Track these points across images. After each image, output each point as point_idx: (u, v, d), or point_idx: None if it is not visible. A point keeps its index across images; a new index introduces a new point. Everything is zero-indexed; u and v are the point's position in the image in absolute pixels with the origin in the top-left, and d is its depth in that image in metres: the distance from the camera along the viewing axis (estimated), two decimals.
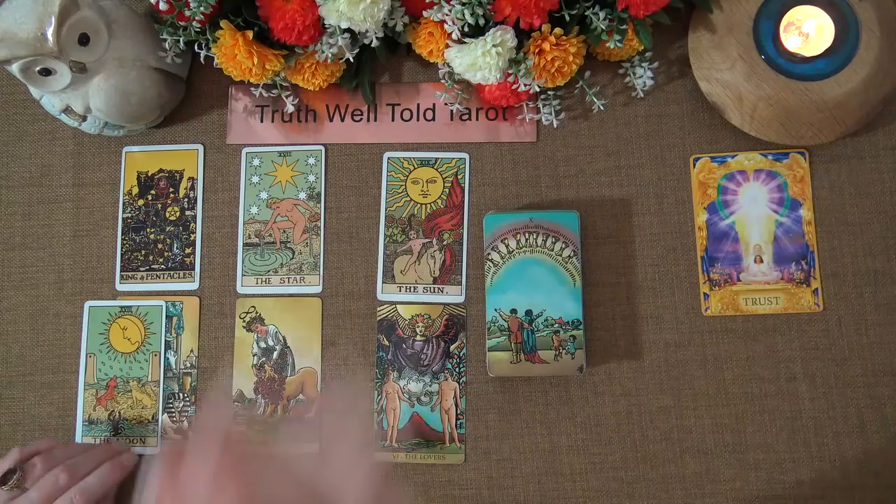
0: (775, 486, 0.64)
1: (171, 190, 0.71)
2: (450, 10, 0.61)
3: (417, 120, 0.70)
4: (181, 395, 0.68)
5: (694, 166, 0.68)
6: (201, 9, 0.61)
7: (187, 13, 0.61)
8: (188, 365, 0.69)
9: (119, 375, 0.69)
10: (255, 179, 0.71)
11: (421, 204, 0.69)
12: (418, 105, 0.70)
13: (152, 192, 0.71)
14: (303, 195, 0.70)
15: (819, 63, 0.62)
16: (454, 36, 0.62)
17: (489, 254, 0.64)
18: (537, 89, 0.64)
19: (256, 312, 0.69)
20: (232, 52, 0.62)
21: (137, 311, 0.70)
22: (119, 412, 0.68)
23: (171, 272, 0.70)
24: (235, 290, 0.69)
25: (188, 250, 0.70)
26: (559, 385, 0.66)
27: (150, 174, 0.72)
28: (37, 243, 0.72)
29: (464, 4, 0.60)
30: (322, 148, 0.71)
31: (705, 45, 0.65)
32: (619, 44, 0.63)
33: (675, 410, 0.65)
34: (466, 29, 0.62)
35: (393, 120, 0.70)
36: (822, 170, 0.67)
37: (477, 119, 0.70)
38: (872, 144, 0.67)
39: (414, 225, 0.69)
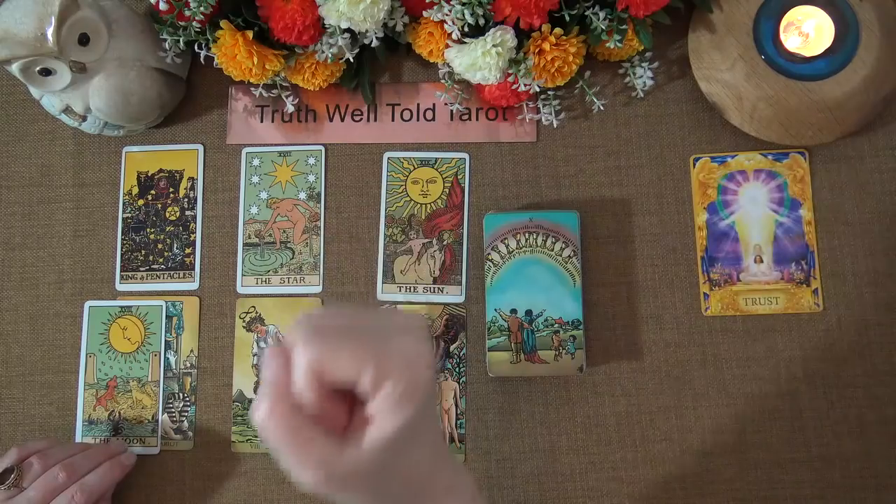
0: (775, 486, 0.64)
1: (171, 190, 0.71)
2: (450, 10, 0.61)
3: (417, 120, 0.70)
4: (181, 395, 0.68)
5: (694, 166, 0.68)
6: (201, 9, 0.61)
7: (187, 13, 0.61)
8: (188, 365, 0.69)
9: (119, 375, 0.69)
10: (255, 179, 0.71)
11: (421, 204, 0.69)
12: (418, 105, 0.71)
13: (152, 192, 0.71)
14: (303, 195, 0.70)
15: (819, 63, 0.62)
16: (454, 36, 0.62)
17: (489, 254, 0.64)
18: (537, 89, 0.64)
19: (256, 312, 0.69)
20: (232, 52, 0.62)
21: (137, 311, 0.70)
22: (119, 412, 0.68)
23: (171, 272, 0.70)
24: (235, 290, 0.69)
25: (188, 250, 0.70)
26: (559, 385, 0.66)
27: (150, 174, 0.72)
28: (37, 243, 0.72)
29: (464, 4, 0.60)
30: (322, 148, 0.71)
31: (705, 45, 0.65)
32: (619, 44, 0.63)
33: (675, 410, 0.65)
34: (466, 29, 0.62)
35: (393, 120, 0.71)
36: (822, 170, 0.67)
37: (477, 119, 0.70)
38: (872, 144, 0.67)
39: (414, 225, 0.69)
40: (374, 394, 0.36)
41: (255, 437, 0.67)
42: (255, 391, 0.68)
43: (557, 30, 0.62)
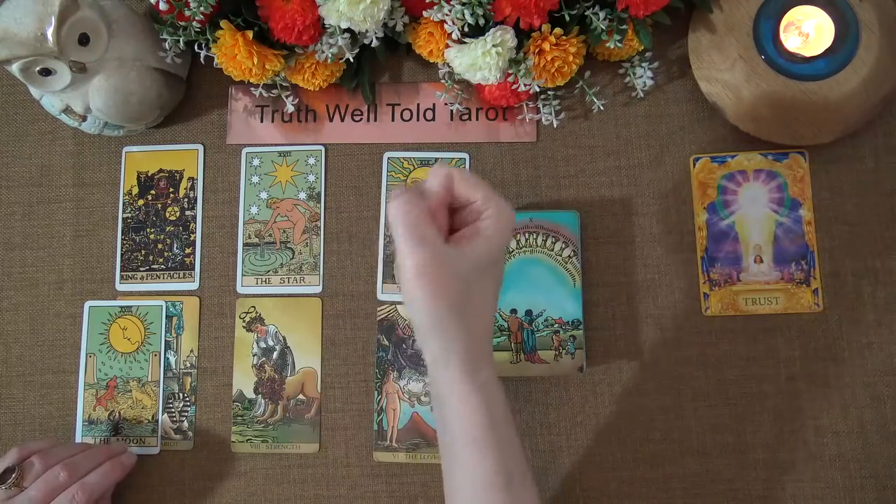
0: (775, 486, 0.64)
1: (171, 190, 0.71)
2: (450, 10, 0.61)
3: (417, 120, 0.70)
4: (181, 395, 0.68)
5: (694, 166, 0.68)
6: (201, 9, 0.61)
7: (187, 13, 0.61)
8: (188, 365, 0.69)
9: (119, 375, 0.69)
10: (255, 179, 0.71)
11: None
12: (418, 105, 0.71)
13: (152, 192, 0.71)
14: (303, 195, 0.70)
15: (819, 63, 0.62)
16: (454, 36, 0.62)
17: None
18: (537, 89, 0.64)
19: (256, 312, 0.69)
20: (232, 52, 0.62)
21: (137, 311, 0.70)
22: (119, 412, 0.68)
23: (171, 272, 0.70)
24: (235, 290, 0.69)
25: (188, 250, 0.70)
26: (559, 385, 0.66)
27: (150, 174, 0.72)
28: (37, 243, 0.72)
29: (464, 4, 0.60)
30: (322, 148, 0.71)
31: (705, 45, 0.65)
32: (619, 44, 0.63)
33: (675, 410, 0.65)
34: (466, 29, 0.62)
35: (393, 120, 0.71)
36: (822, 170, 0.67)
37: (477, 119, 0.70)
38: (872, 144, 0.67)
39: None
40: (482, 210, 0.48)
41: (255, 437, 0.67)
42: (255, 391, 0.68)
43: (557, 30, 0.62)
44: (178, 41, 0.64)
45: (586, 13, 0.62)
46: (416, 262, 0.45)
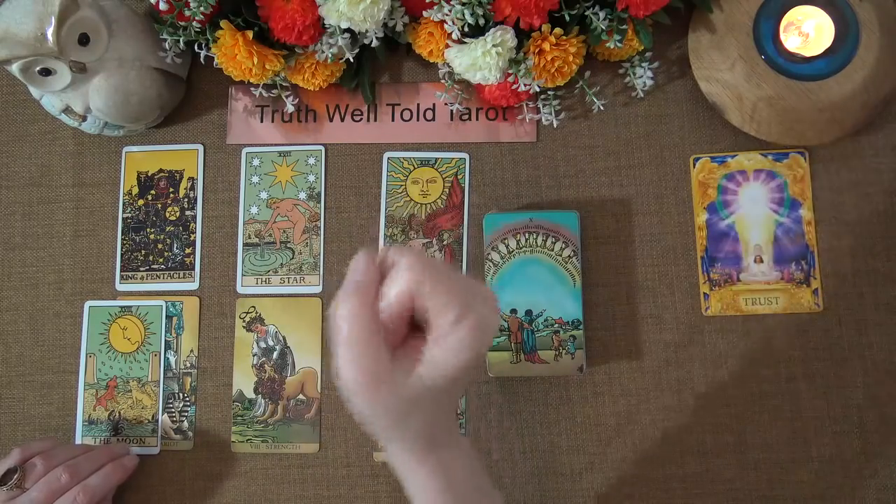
0: (775, 486, 0.64)
1: (171, 190, 0.71)
2: (450, 10, 0.61)
3: (417, 120, 0.70)
4: (181, 395, 0.68)
5: (694, 166, 0.68)
6: (201, 9, 0.61)
7: (187, 13, 0.61)
8: (188, 365, 0.69)
9: (119, 375, 0.69)
10: (255, 179, 0.71)
11: (421, 204, 0.69)
12: (418, 105, 0.71)
13: (152, 192, 0.71)
14: (303, 195, 0.70)
15: (819, 63, 0.62)
16: (454, 36, 0.62)
17: (489, 254, 0.64)
18: (537, 89, 0.64)
19: (256, 312, 0.69)
20: (232, 52, 0.62)
21: (137, 311, 0.70)
22: (119, 412, 0.68)
23: (171, 272, 0.70)
24: (235, 290, 0.69)
25: (188, 250, 0.70)
26: (559, 385, 0.66)
27: (150, 174, 0.72)
28: (37, 243, 0.72)
29: (464, 4, 0.60)
30: (322, 148, 0.71)
31: (705, 45, 0.65)
32: (619, 44, 0.63)
33: (675, 410, 0.65)
34: (466, 29, 0.62)
35: (393, 120, 0.71)
36: (822, 170, 0.67)
37: (477, 119, 0.70)
38: (872, 144, 0.67)
39: (414, 225, 0.69)
40: (453, 327, 0.39)
41: (255, 437, 0.67)
42: (255, 391, 0.68)
43: (557, 30, 0.62)
44: (178, 41, 0.64)
45: (586, 13, 0.62)
46: (349, 380, 0.39)
